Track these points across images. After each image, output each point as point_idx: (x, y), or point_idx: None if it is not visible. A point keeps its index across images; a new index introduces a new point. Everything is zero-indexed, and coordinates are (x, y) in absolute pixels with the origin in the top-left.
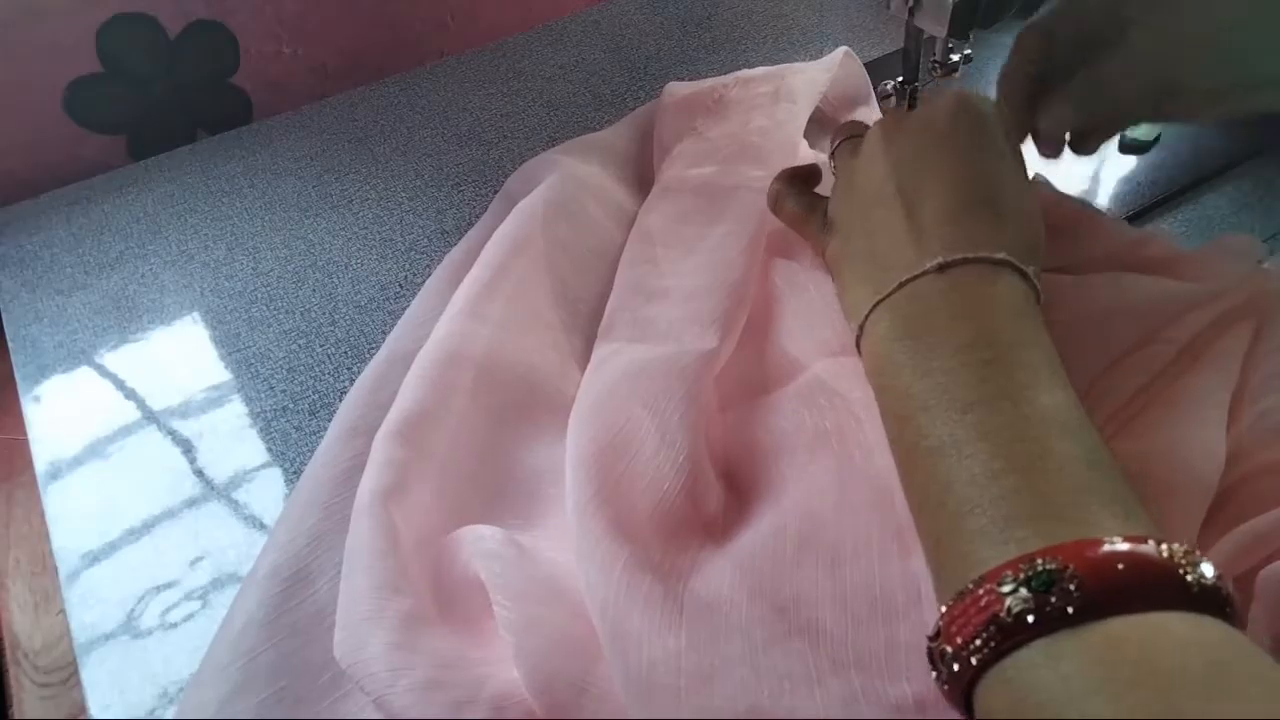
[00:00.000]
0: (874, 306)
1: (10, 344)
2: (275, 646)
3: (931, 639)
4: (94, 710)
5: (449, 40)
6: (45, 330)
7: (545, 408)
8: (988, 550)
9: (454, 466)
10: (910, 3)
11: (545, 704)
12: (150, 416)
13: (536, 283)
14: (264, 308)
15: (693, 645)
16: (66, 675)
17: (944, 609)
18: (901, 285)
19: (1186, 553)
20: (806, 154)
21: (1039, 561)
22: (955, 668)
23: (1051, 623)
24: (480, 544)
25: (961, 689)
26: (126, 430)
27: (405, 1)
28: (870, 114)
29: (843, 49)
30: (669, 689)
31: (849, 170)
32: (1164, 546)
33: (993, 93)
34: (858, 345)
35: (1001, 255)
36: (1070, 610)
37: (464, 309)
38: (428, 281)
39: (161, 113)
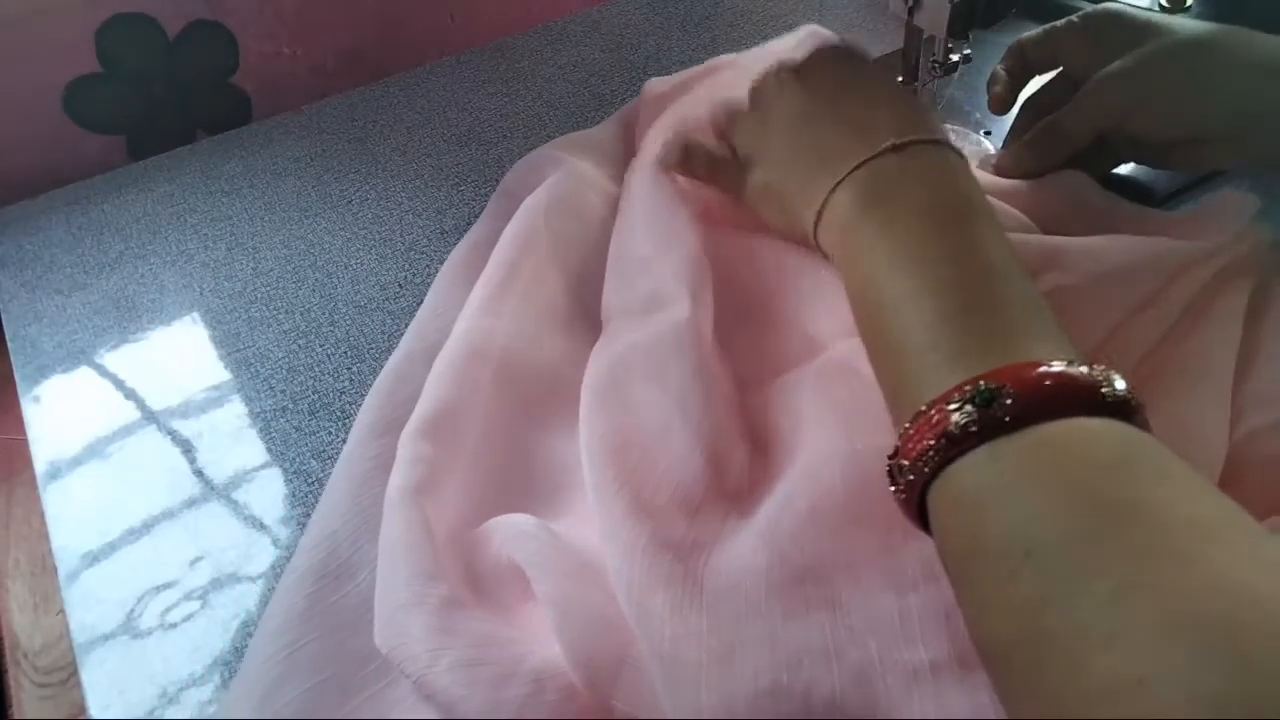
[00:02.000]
0: (833, 189)
1: (10, 344)
2: (319, 639)
3: (890, 457)
4: (93, 710)
5: (449, 40)
6: (45, 330)
7: (565, 399)
8: (940, 379)
9: (480, 461)
10: (910, 2)
11: (586, 676)
12: (150, 416)
13: (548, 277)
14: (264, 308)
15: (714, 623)
16: (66, 675)
17: (901, 431)
18: (860, 165)
19: (1104, 370)
20: None
21: (982, 383)
22: (910, 478)
23: (990, 431)
24: (514, 528)
25: (915, 498)
26: (126, 430)
27: (405, 1)
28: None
29: (809, 27)
30: (691, 664)
31: (759, 106)
32: (1085, 367)
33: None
34: (814, 236)
35: (942, 136)
36: (1007, 419)
37: (480, 307)
38: (436, 280)
39: (161, 113)
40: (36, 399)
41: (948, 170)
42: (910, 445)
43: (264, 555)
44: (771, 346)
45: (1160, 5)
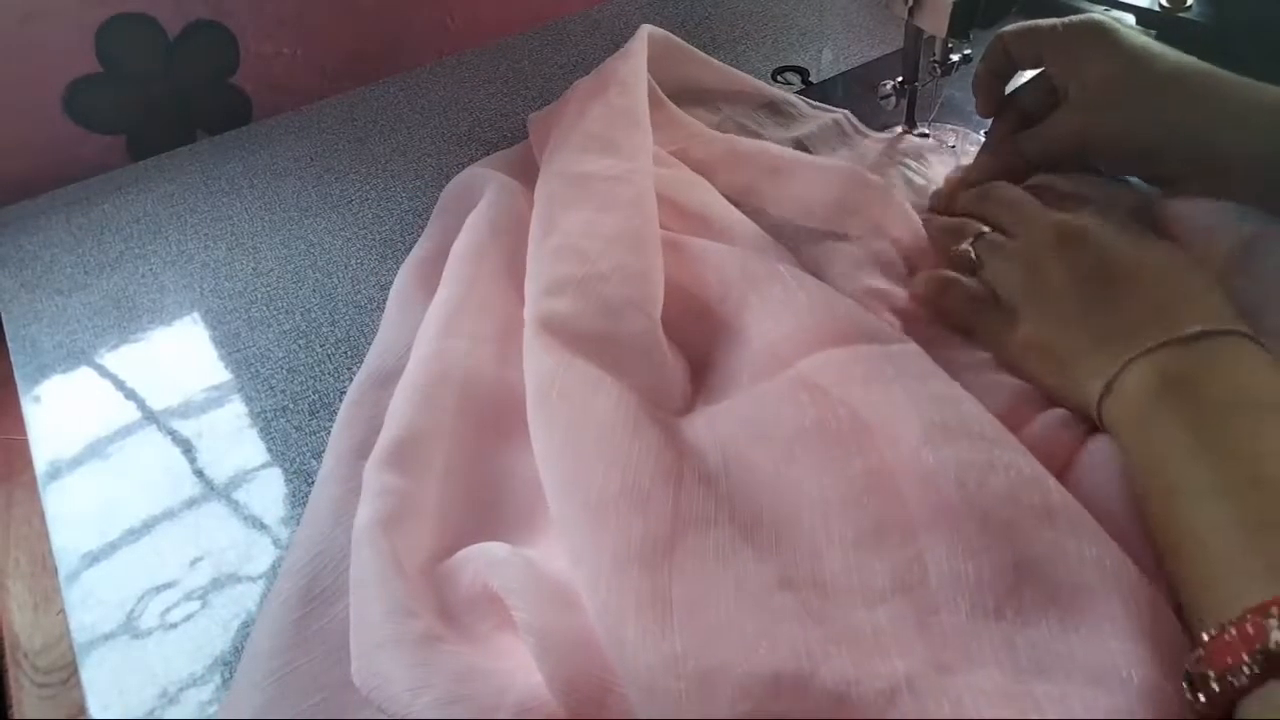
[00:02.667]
0: (1128, 363)
1: (10, 344)
2: (309, 664)
3: (1191, 665)
4: (93, 710)
5: (449, 40)
6: (45, 330)
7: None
8: (1256, 588)
9: (450, 488)
10: (910, 2)
11: (570, 703)
12: (150, 416)
13: (500, 292)
14: (264, 308)
15: (687, 646)
16: (66, 675)
17: (1207, 637)
18: (1162, 345)
19: None
20: (650, 142)
21: None
22: (1217, 689)
23: None
24: (488, 556)
25: (1220, 712)
26: (126, 430)
27: (405, 2)
28: (693, 69)
29: (644, 27)
30: (670, 693)
31: (1032, 257)
32: None
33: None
34: (1098, 406)
35: (1246, 330)
36: None
37: (439, 329)
38: (388, 303)
39: (161, 113)
40: (36, 399)
41: (1257, 367)
42: (1218, 655)
43: (264, 555)
44: (731, 359)
45: (1160, 4)
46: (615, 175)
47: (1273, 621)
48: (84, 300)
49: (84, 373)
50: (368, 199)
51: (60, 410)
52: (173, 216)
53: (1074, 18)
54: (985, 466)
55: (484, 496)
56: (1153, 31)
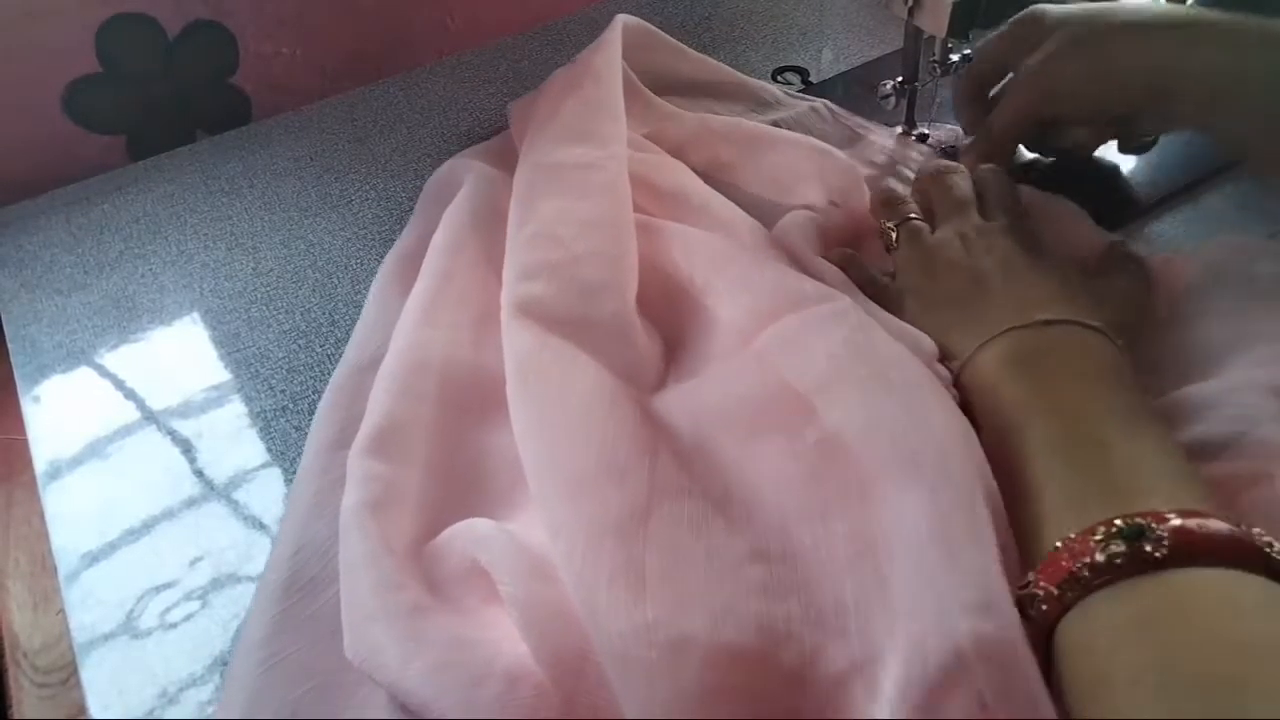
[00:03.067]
0: (981, 345)
1: (10, 344)
2: (300, 650)
3: (1022, 587)
4: (93, 710)
5: (449, 40)
6: (45, 330)
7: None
8: (1084, 517)
9: (433, 473)
10: (910, 2)
11: (551, 674)
12: (150, 416)
13: (479, 283)
14: (264, 308)
15: (659, 617)
16: (66, 675)
17: (1041, 560)
18: (1010, 330)
19: (1261, 533)
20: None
21: (1131, 518)
22: (1044, 607)
23: (1138, 565)
24: (475, 532)
25: (1045, 628)
26: (126, 430)
27: (405, 1)
28: (670, 58)
29: (619, 17)
30: (642, 661)
31: (926, 261)
32: (1240, 525)
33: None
34: (957, 374)
35: (1097, 324)
36: (1156, 556)
37: (417, 319)
38: (371, 293)
39: (161, 113)
40: (36, 399)
41: (1090, 347)
42: (1047, 574)
43: (264, 555)
44: (703, 336)
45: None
46: (588, 163)
47: (1098, 538)
48: (84, 300)
49: (84, 373)
50: (368, 199)
51: (60, 410)
52: (172, 216)
53: (1013, 17)
54: (919, 419)
55: (466, 479)
56: None
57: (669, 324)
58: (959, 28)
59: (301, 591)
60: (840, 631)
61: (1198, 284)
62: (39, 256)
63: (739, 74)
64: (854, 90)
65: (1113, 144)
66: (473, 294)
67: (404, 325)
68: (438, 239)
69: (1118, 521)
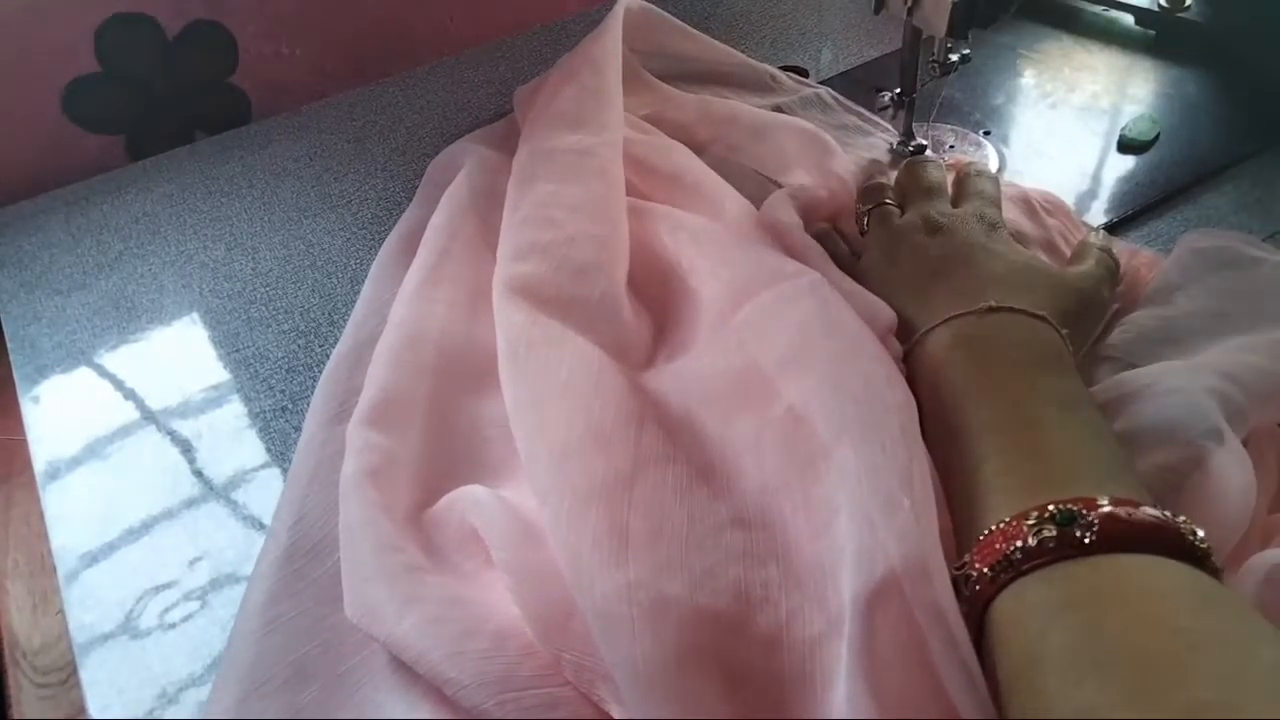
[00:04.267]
0: (930, 329)
1: (9, 344)
2: (302, 613)
3: (958, 567)
4: (93, 710)
5: (449, 40)
6: (44, 330)
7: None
8: (1018, 501)
9: (430, 443)
10: (909, 2)
11: (538, 631)
12: (149, 416)
13: (475, 261)
14: (263, 308)
15: (639, 576)
16: (65, 676)
17: (976, 543)
18: (954, 318)
19: (1187, 522)
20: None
21: (1063, 505)
22: (978, 587)
23: (1068, 550)
24: (472, 497)
25: (979, 609)
26: (126, 430)
27: (405, 1)
28: (674, 40)
29: (621, 2)
30: (624, 619)
31: (890, 243)
32: (1169, 513)
33: (989, 93)
34: (907, 353)
35: (1042, 312)
36: (1086, 541)
37: (414, 294)
38: (372, 271)
39: (160, 113)
40: (36, 399)
41: (1034, 333)
42: (983, 555)
43: None
44: (690, 315)
45: (1160, 4)
46: (583, 149)
47: (1031, 523)
48: (83, 300)
49: (83, 373)
50: (367, 199)
51: (60, 410)
52: (172, 216)
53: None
54: (876, 391)
55: (462, 448)
56: (1152, 32)
57: (659, 303)
58: (958, 28)
59: (304, 558)
60: (819, 596)
61: (1173, 276)
62: (39, 256)
63: (744, 56)
64: (854, 90)
65: (1113, 144)
66: (469, 271)
67: (401, 300)
68: (436, 219)
69: (1051, 507)
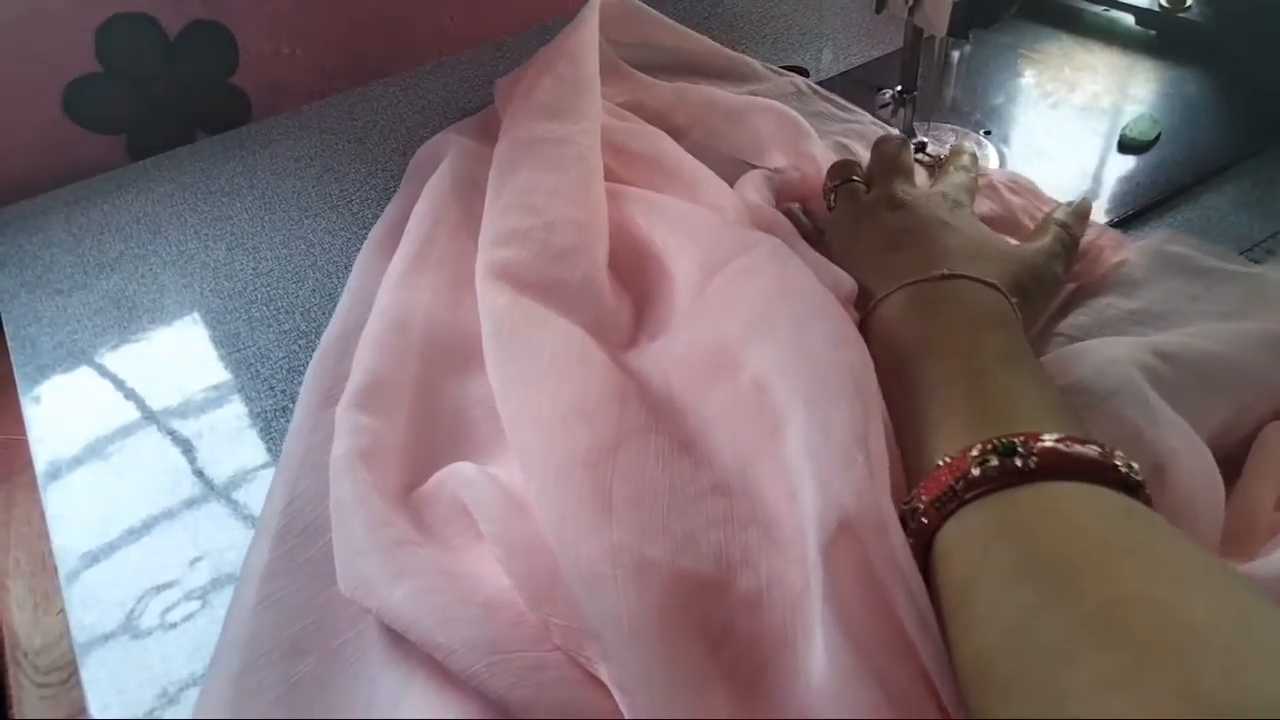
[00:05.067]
0: (884, 296)
1: (10, 344)
2: (297, 591)
3: (905, 503)
4: (93, 710)
5: (449, 41)
6: (45, 330)
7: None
8: (960, 440)
9: (416, 424)
10: (910, 1)
11: (526, 598)
12: (150, 416)
13: (458, 248)
14: (264, 308)
15: (622, 539)
16: (66, 675)
17: (922, 478)
18: (909, 284)
19: (1123, 456)
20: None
21: (1004, 438)
22: (925, 520)
23: (1010, 478)
24: (461, 474)
25: (925, 540)
26: (126, 430)
27: (405, 1)
28: (650, 29)
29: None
30: (607, 579)
31: (854, 218)
32: (1107, 447)
33: (989, 93)
34: (865, 319)
35: (993, 280)
36: (1026, 469)
37: (399, 281)
38: (357, 260)
39: (161, 113)
40: (36, 399)
41: (981, 295)
42: (929, 489)
43: None
44: (668, 295)
45: (1160, 4)
46: (560, 138)
47: (974, 454)
48: (84, 300)
49: (84, 373)
50: (368, 199)
51: (60, 410)
52: (172, 216)
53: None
54: (836, 351)
55: (449, 429)
56: (1152, 32)
57: (637, 285)
58: (959, 27)
59: (296, 538)
60: (799, 557)
61: (1138, 272)
62: (39, 256)
63: (718, 45)
64: (854, 91)
65: (1113, 144)
66: (452, 258)
67: (386, 286)
68: (420, 208)
69: (993, 441)
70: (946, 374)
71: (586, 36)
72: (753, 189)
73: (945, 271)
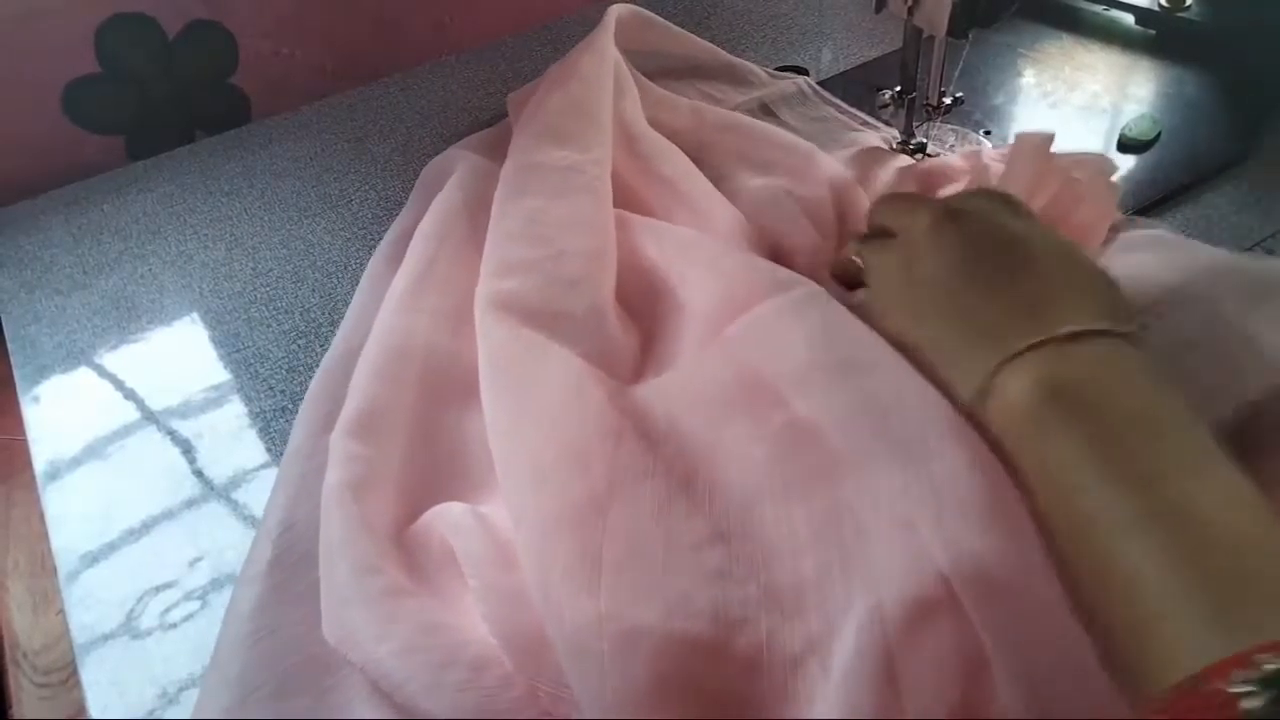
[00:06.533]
0: (1000, 365)
1: (9, 344)
2: (291, 625)
3: (1150, 714)
4: (93, 710)
5: (448, 40)
6: (44, 330)
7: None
8: (1196, 641)
9: (413, 457)
10: (909, 2)
11: (513, 661)
12: (150, 416)
13: (462, 271)
14: (263, 308)
15: (612, 607)
16: (66, 676)
17: (1165, 701)
18: (1033, 347)
19: None
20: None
21: (1262, 658)
22: None
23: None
24: (449, 519)
25: None
26: (126, 430)
27: (404, 2)
28: (661, 40)
29: (612, 8)
30: (594, 653)
31: (901, 259)
32: None
33: (989, 93)
34: (976, 406)
35: (1129, 329)
36: None
37: (400, 304)
38: (364, 277)
39: (160, 113)
40: (36, 399)
41: (1131, 373)
42: (1185, 715)
43: None
44: (677, 328)
45: (1160, 4)
46: (569, 166)
47: (1238, 690)
48: (84, 300)
49: (84, 373)
50: (367, 199)
51: (60, 410)
52: (172, 217)
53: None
54: (896, 400)
55: (445, 462)
56: (1152, 32)
57: (647, 316)
58: (959, 27)
59: (289, 570)
60: (798, 610)
61: (1118, 249)
62: (39, 256)
63: (723, 52)
64: (854, 91)
65: (1113, 144)
66: (455, 281)
67: (387, 310)
68: (424, 226)
69: (1256, 657)
70: (1149, 513)
71: (599, 56)
72: (773, 211)
73: (1073, 329)
